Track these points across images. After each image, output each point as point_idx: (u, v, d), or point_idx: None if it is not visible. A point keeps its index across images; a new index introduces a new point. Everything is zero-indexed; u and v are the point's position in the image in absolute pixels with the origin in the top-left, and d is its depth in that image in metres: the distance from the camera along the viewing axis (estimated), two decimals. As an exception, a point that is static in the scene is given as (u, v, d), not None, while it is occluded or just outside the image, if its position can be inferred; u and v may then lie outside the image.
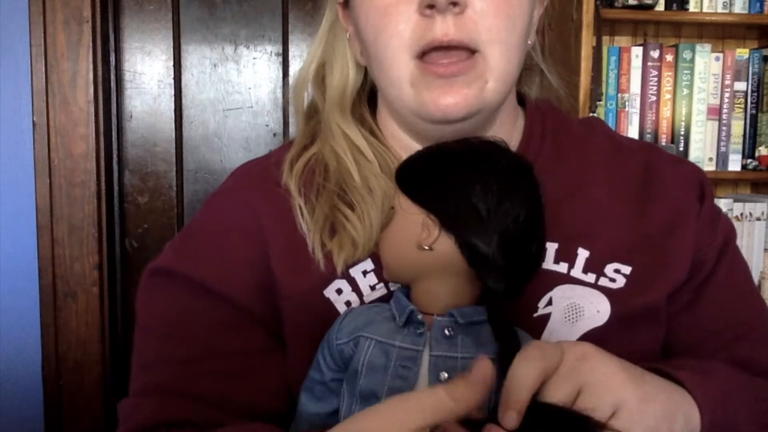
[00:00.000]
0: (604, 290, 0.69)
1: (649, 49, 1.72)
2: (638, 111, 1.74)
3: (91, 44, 1.56)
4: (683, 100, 1.74)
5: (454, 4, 0.63)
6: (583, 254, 0.69)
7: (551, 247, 0.69)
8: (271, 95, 1.73)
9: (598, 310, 0.68)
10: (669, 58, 1.73)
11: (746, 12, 1.70)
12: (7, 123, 1.57)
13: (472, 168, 0.61)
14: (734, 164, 1.76)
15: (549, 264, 0.69)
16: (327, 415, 0.65)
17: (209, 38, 1.71)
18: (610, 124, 1.71)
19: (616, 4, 1.63)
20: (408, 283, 0.64)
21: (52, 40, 1.55)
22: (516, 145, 0.75)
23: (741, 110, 1.76)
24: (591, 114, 1.58)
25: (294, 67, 1.73)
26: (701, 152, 1.75)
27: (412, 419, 0.47)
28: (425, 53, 0.65)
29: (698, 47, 1.73)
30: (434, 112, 0.66)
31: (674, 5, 1.68)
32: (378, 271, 0.68)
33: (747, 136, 1.77)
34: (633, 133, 1.73)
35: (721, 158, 1.76)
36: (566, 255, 0.69)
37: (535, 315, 0.68)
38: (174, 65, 1.70)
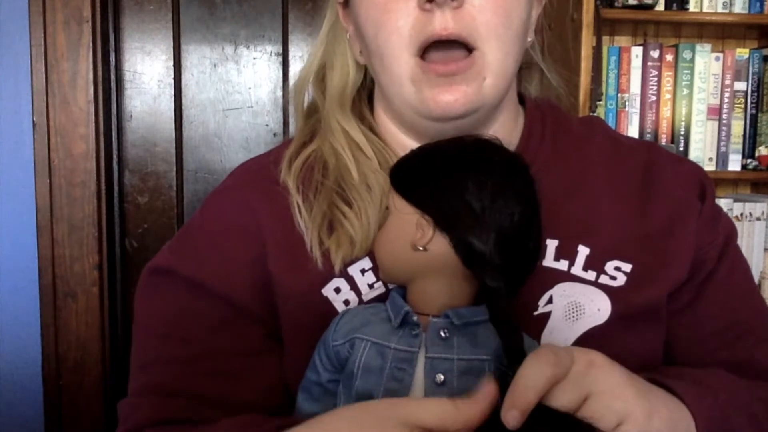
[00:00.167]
0: (604, 288, 0.69)
1: (649, 49, 1.72)
2: (638, 111, 1.74)
3: (91, 44, 1.56)
4: (683, 100, 1.74)
5: None
6: (583, 251, 0.69)
7: (551, 245, 0.69)
8: (271, 95, 1.74)
9: (598, 309, 0.68)
10: (669, 58, 1.73)
11: (746, 12, 1.70)
12: (7, 123, 1.57)
13: (465, 166, 0.61)
14: (734, 164, 1.76)
15: (549, 261, 0.69)
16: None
17: (209, 38, 1.71)
18: (610, 124, 1.70)
19: (616, 4, 1.63)
20: (404, 284, 0.64)
21: (52, 40, 1.55)
22: (516, 144, 0.75)
23: (741, 110, 1.76)
24: (591, 114, 1.58)
25: (294, 67, 1.73)
26: (701, 152, 1.75)
27: (413, 412, 0.50)
28: (425, 51, 0.66)
29: (698, 47, 1.73)
30: (434, 109, 0.66)
31: (674, 5, 1.68)
32: (376, 269, 0.68)
33: (747, 136, 1.77)
34: (633, 133, 1.73)
35: (721, 158, 1.76)
36: (566, 252, 0.69)
37: (536, 313, 0.68)
38: (174, 65, 1.70)
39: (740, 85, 1.75)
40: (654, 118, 1.74)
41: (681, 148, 1.75)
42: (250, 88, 1.73)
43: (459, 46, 0.66)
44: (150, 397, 0.69)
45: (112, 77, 1.68)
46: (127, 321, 1.70)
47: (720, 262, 0.74)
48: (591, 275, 0.69)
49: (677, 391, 0.60)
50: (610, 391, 0.54)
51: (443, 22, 0.64)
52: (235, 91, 1.73)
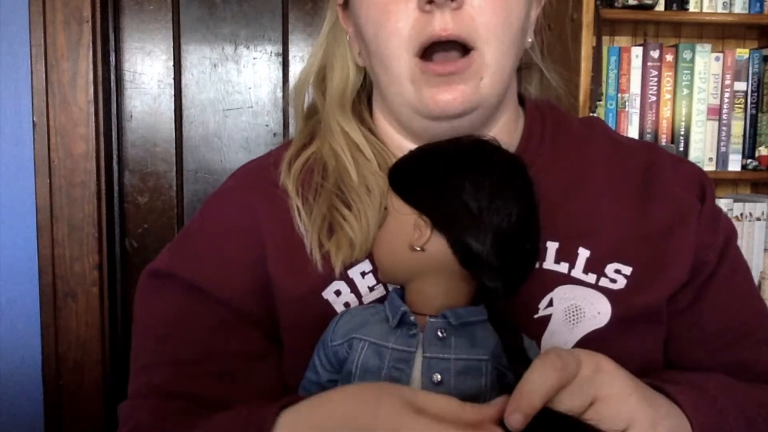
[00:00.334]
0: (604, 291, 0.69)
1: (649, 49, 1.72)
2: (638, 111, 1.74)
3: (91, 44, 1.56)
4: (683, 100, 1.73)
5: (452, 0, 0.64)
6: (583, 254, 0.69)
7: (552, 247, 0.69)
8: (271, 95, 1.74)
9: (598, 312, 0.68)
10: (669, 58, 1.73)
11: (746, 12, 1.70)
12: (7, 123, 1.57)
13: (463, 166, 0.61)
14: (734, 164, 1.76)
15: (550, 264, 0.69)
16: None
17: (209, 38, 1.71)
18: (610, 124, 1.71)
19: (616, 4, 1.63)
20: (402, 284, 0.64)
21: (52, 40, 1.55)
22: (516, 144, 0.75)
23: (741, 110, 1.76)
24: (591, 114, 1.58)
25: (294, 67, 1.73)
26: (701, 152, 1.75)
27: (419, 397, 0.51)
28: (425, 51, 0.66)
29: (698, 47, 1.73)
30: (433, 108, 0.67)
31: (674, 5, 1.68)
32: (376, 272, 0.68)
33: (747, 136, 1.77)
34: (633, 133, 1.73)
35: (721, 158, 1.76)
36: (567, 255, 0.69)
37: (536, 316, 0.68)
38: (174, 65, 1.70)
39: (740, 85, 1.75)
40: (654, 119, 1.74)
41: (681, 149, 1.75)
42: (250, 88, 1.73)
43: (458, 46, 0.66)
44: (150, 398, 0.69)
45: (112, 77, 1.68)
46: (127, 321, 1.70)
47: (720, 264, 0.73)
48: (591, 278, 0.69)
49: (675, 396, 0.60)
50: (617, 396, 0.54)
51: (443, 24, 0.64)
52: (235, 92, 1.73)
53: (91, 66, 1.57)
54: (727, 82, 1.75)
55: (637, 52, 1.72)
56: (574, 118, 0.82)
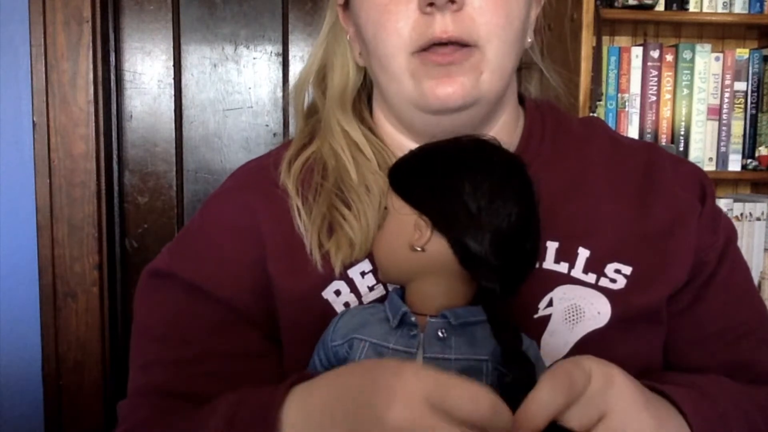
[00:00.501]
0: (604, 291, 0.68)
1: (649, 49, 1.72)
2: (638, 111, 1.74)
3: (91, 44, 1.56)
4: (683, 100, 1.73)
5: (452, 2, 0.64)
6: (583, 254, 0.69)
7: (551, 247, 0.69)
8: (271, 95, 1.74)
9: (598, 312, 0.68)
10: (669, 58, 1.73)
11: (746, 12, 1.70)
12: (7, 123, 1.57)
13: (462, 166, 0.61)
14: (734, 164, 1.76)
15: (549, 264, 0.69)
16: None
17: (209, 38, 1.71)
18: (610, 124, 1.71)
19: (616, 4, 1.63)
20: (402, 284, 0.64)
21: (52, 40, 1.55)
22: (516, 144, 0.75)
23: (741, 110, 1.76)
24: (591, 114, 1.58)
25: (294, 67, 1.73)
26: (701, 152, 1.75)
27: (442, 386, 0.48)
28: (424, 49, 0.66)
29: (698, 47, 1.72)
30: (433, 101, 0.67)
31: (674, 5, 1.68)
32: (376, 271, 0.68)
33: (747, 136, 1.77)
34: (633, 133, 1.73)
35: (721, 158, 1.76)
36: (567, 255, 0.69)
37: (536, 316, 0.68)
38: (174, 65, 1.70)
39: (740, 85, 1.75)
40: (654, 118, 1.74)
41: (681, 149, 1.75)
42: (250, 88, 1.73)
43: (458, 46, 0.66)
44: (149, 397, 0.69)
45: (112, 77, 1.68)
46: (127, 321, 1.70)
47: (720, 264, 0.73)
48: (591, 278, 0.69)
49: (675, 399, 0.60)
50: (628, 410, 0.53)
51: (443, 26, 0.64)
52: (235, 91, 1.73)
53: (91, 66, 1.57)
54: (727, 82, 1.75)
55: (637, 52, 1.72)
56: (574, 118, 0.82)
